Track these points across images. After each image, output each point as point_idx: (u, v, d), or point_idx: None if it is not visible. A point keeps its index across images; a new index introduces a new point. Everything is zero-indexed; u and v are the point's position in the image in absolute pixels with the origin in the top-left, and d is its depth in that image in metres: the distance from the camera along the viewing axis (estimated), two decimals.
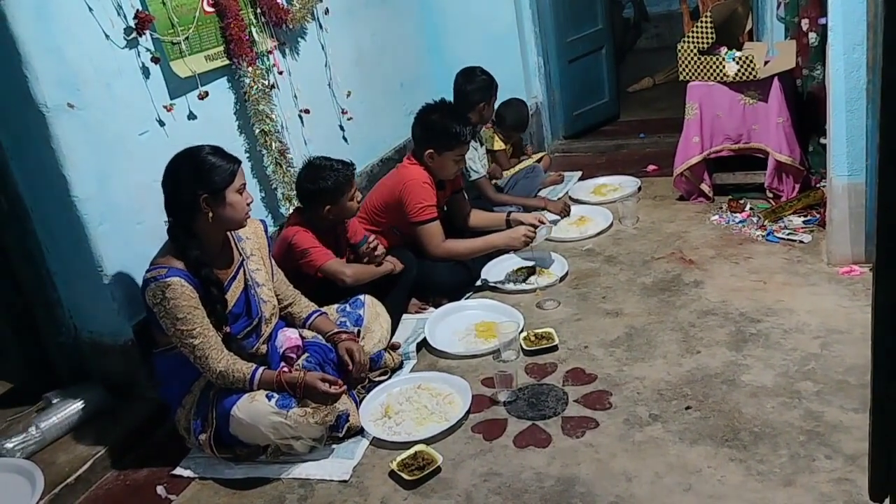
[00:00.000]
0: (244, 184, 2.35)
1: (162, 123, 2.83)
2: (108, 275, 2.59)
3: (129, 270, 2.65)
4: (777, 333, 2.68)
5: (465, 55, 4.40)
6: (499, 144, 4.29)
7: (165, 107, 2.82)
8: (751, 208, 3.67)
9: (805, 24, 3.55)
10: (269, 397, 2.28)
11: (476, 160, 3.79)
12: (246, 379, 2.29)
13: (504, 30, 4.82)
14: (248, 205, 2.36)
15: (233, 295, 2.39)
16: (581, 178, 4.51)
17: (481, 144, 3.99)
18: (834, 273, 3.01)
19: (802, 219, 3.46)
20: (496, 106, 4.07)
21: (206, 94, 2.97)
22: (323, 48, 3.77)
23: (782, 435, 2.17)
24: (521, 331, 2.90)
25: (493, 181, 4.12)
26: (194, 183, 2.25)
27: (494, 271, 3.44)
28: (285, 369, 2.40)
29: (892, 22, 1.10)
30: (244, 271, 2.46)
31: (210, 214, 2.27)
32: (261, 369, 2.33)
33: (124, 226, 2.66)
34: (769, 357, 2.55)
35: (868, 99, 2.81)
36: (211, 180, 2.25)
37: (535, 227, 3.30)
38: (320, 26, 3.74)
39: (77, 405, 2.61)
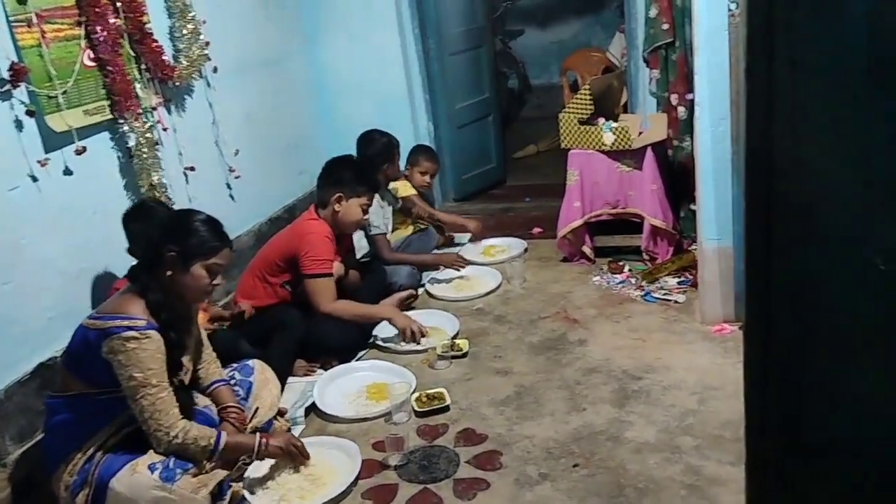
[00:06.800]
0: (220, 266, 2.31)
1: (35, 179, 2.68)
2: None
3: None
4: (657, 390, 2.78)
5: (357, 118, 4.44)
6: (406, 190, 4.23)
7: (39, 161, 2.68)
8: (629, 270, 3.84)
9: (674, 98, 3.81)
10: (151, 469, 2.15)
11: (379, 216, 3.81)
12: (211, 438, 2.20)
13: (395, 95, 4.91)
14: (210, 288, 2.33)
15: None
16: (471, 240, 4.59)
17: (388, 204, 4.01)
18: (707, 331, 3.17)
19: (677, 280, 3.65)
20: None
21: (84, 149, 2.85)
22: (210, 106, 3.72)
23: (665, 490, 2.24)
24: (413, 391, 2.88)
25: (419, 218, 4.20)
26: (168, 237, 2.26)
27: (387, 329, 3.41)
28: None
29: (753, 98, 1.20)
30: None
31: (169, 273, 2.25)
32: (224, 433, 2.26)
33: None
34: (650, 413, 2.64)
35: (733, 169, 3.02)
36: (185, 241, 2.25)
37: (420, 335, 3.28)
38: (208, 84, 3.69)
39: None
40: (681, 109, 3.78)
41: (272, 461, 2.45)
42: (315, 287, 3.12)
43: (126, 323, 2.14)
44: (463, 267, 3.93)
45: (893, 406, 1.20)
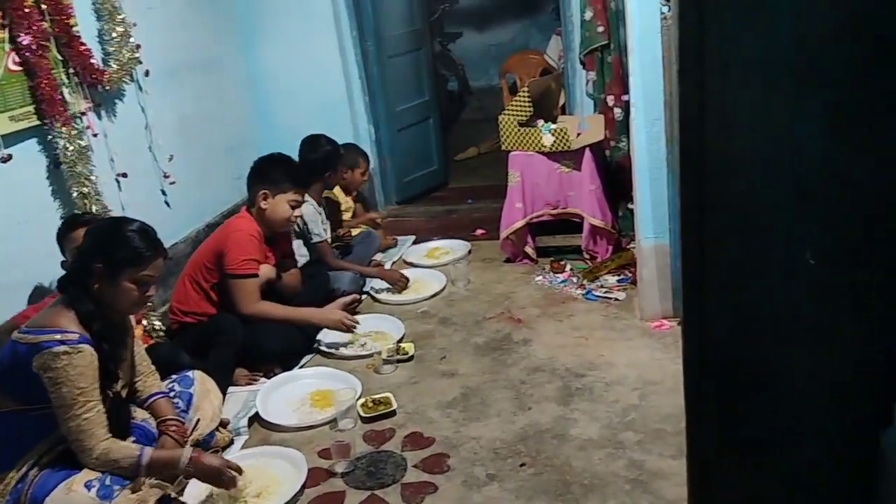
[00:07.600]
0: (151, 277, 2.22)
1: None
2: None
3: None
4: (600, 387, 2.82)
5: (295, 122, 4.39)
6: (338, 196, 4.20)
7: None
8: (571, 269, 3.88)
9: (611, 100, 3.88)
10: (88, 487, 2.07)
11: (318, 224, 3.75)
12: (132, 458, 2.12)
13: (334, 98, 4.87)
14: (141, 300, 2.24)
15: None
16: (414, 242, 4.58)
17: (325, 210, 3.96)
18: (647, 328, 3.23)
19: (616, 278, 3.71)
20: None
21: (10, 156, 2.74)
22: (143, 110, 3.62)
23: (609, 486, 2.27)
24: (359, 397, 2.86)
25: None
26: (97, 248, 2.17)
27: (331, 334, 3.36)
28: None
29: (685, 99, 1.23)
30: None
31: (97, 286, 2.16)
32: (148, 448, 2.17)
33: None
34: (594, 410, 2.68)
35: (668, 168, 3.09)
36: (112, 254, 2.15)
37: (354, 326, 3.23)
38: (140, 88, 3.60)
39: None
40: (617, 110, 3.84)
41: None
42: (237, 288, 3.03)
43: (58, 337, 2.06)
44: (405, 288, 3.86)
45: (826, 398, 1.24)
